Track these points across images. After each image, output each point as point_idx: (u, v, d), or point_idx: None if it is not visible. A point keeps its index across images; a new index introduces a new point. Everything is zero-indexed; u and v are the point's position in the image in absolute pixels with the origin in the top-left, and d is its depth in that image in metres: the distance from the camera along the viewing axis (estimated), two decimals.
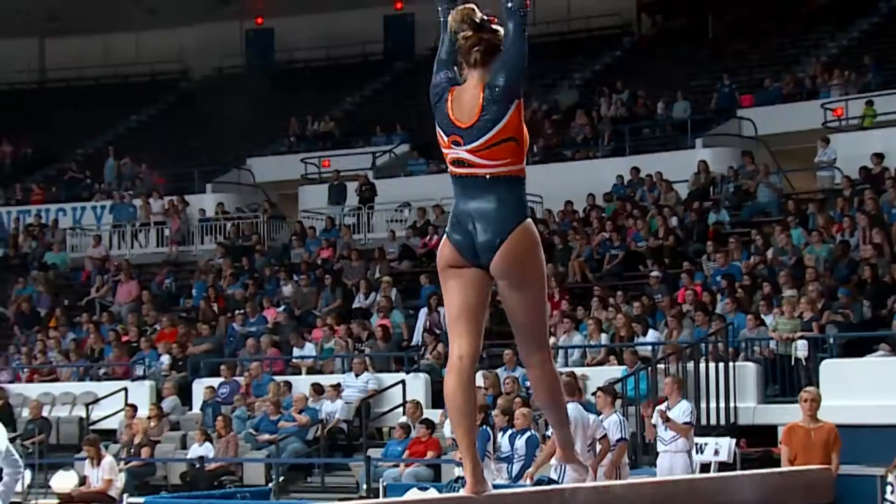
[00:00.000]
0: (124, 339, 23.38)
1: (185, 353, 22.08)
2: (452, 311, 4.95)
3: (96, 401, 21.24)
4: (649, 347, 17.69)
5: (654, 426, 13.76)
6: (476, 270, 4.91)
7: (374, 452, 17.27)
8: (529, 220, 4.94)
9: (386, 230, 26.20)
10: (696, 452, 15.25)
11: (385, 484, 15.19)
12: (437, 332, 20.32)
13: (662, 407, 13.68)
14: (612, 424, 13.06)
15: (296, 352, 21.28)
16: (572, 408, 12.59)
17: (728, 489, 6.13)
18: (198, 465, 17.63)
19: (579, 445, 12.38)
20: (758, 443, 15.81)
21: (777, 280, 18.43)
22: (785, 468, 9.44)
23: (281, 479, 17.58)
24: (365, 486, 15.85)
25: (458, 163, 4.90)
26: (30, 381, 23.19)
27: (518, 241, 4.86)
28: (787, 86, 26.62)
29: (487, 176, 4.87)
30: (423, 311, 20.98)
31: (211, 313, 23.50)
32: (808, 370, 16.40)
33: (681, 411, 13.48)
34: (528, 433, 13.73)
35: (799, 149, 25.08)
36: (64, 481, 17.30)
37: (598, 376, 16.76)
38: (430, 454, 16.41)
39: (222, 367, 20.98)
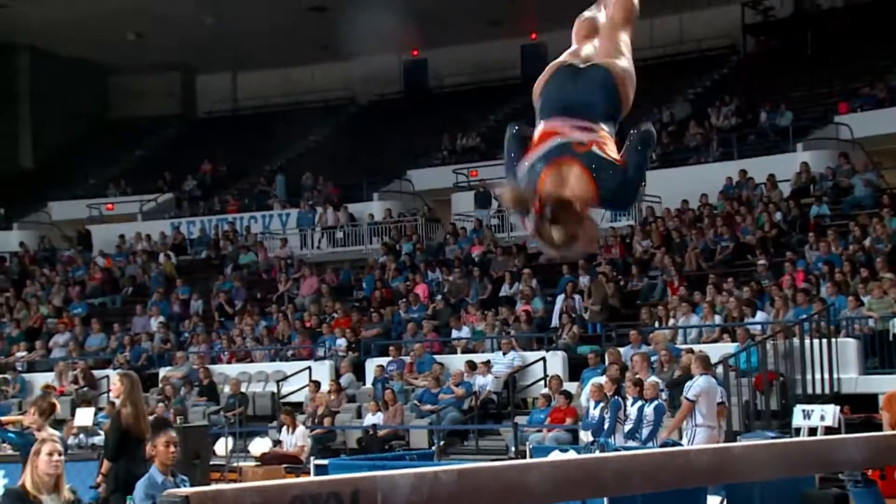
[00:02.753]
0: (307, 325, 23.74)
1: (358, 336, 22.32)
2: None
3: (285, 378, 21.58)
4: (759, 326, 17.33)
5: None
6: None
7: (521, 420, 17.23)
8: None
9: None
10: (804, 418, 14.89)
11: (531, 447, 15.14)
12: (573, 315, 20.22)
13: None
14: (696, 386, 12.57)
15: (453, 333, 21.37)
16: (704, 379, 12.40)
17: (837, 450, 5.94)
18: (371, 432, 17.79)
19: (706, 410, 12.19)
20: (860, 409, 15.35)
21: (874, 265, 17.89)
22: (888, 432, 9.13)
23: (442, 443, 17.65)
24: (513, 449, 15.82)
25: None
26: (229, 362, 23.67)
27: None
28: (880, 92, 25.82)
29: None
30: (560, 298, 20.89)
31: (379, 302, 23.75)
32: None
33: (689, 386, 12.79)
34: (655, 402, 13.55)
35: (893, 149, 24.28)
36: (260, 446, 17.62)
37: (714, 352, 16.42)
38: (568, 420, 16.29)
39: (390, 348, 21.16)
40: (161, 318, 26.18)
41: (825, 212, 21.17)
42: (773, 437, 12.05)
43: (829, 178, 22.47)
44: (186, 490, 3.59)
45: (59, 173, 35.11)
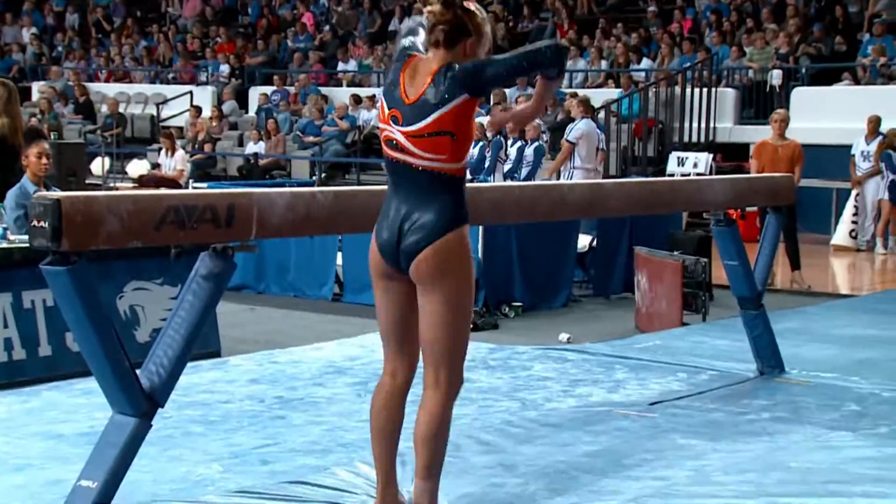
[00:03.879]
0: (189, 48, 23.24)
1: (243, 63, 21.97)
2: (382, 326, 3.80)
3: (165, 101, 21.27)
4: (643, 73, 17.52)
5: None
6: (401, 280, 3.69)
7: None
8: (465, 226, 3.65)
9: None
10: (678, 165, 15.29)
11: None
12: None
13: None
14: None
15: (339, 66, 21.13)
16: (585, 123, 12.55)
17: (705, 190, 6.16)
18: (252, 160, 17.77)
19: (585, 153, 12.42)
20: (732, 158, 15.81)
21: (760, 16, 18.07)
22: (753, 175, 9.44)
23: (323, 175, 17.74)
24: None
25: (392, 144, 3.63)
26: (107, 81, 23.19)
27: (446, 247, 3.59)
28: None
29: (420, 168, 3.59)
30: None
31: (265, 30, 23.29)
32: (780, 96, 16.24)
33: (570, 129, 12.75)
34: (536, 143, 13.71)
35: None
36: (138, 168, 17.49)
37: (598, 97, 16.58)
38: None
39: (275, 77, 20.90)
40: (34, 30, 25.37)
41: None
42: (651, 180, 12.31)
43: None
44: (58, 193, 3.58)
45: None
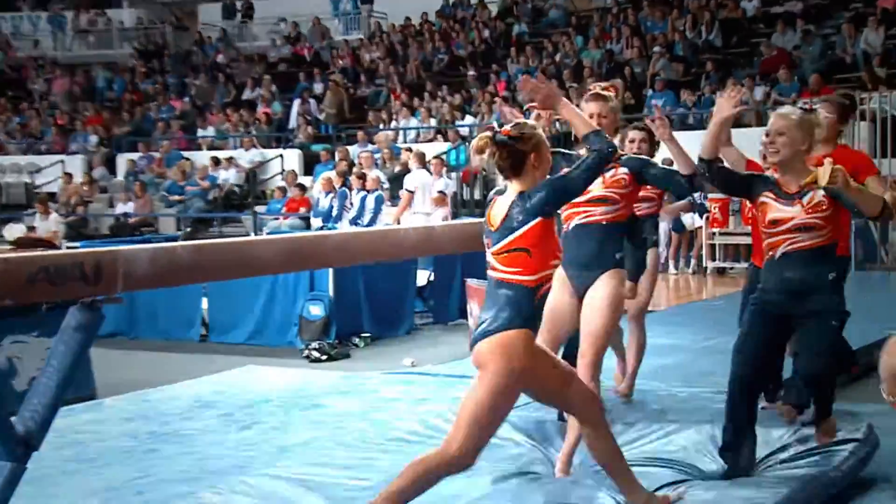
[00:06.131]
0: (60, 122, 22.54)
1: (110, 134, 21.41)
2: None
3: (38, 170, 20.55)
4: (467, 128, 17.72)
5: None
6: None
7: (260, 209, 17.12)
8: (522, 330, 3.63)
9: (267, 39, 25.41)
10: None
11: (268, 232, 15.09)
12: (308, 117, 20.02)
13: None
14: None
15: (199, 132, 20.78)
16: (421, 173, 12.65)
17: None
18: (122, 219, 17.28)
19: (421, 198, 12.48)
20: None
21: (562, 77, 18.49)
22: None
23: (188, 229, 17.38)
24: (253, 234, 15.72)
25: (487, 264, 3.74)
26: None
27: (498, 341, 3.62)
28: None
29: (497, 280, 3.68)
30: (297, 102, 20.60)
31: (130, 103, 22.75)
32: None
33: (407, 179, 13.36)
34: (376, 192, 13.69)
35: None
36: (15, 231, 16.78)
37: (429, 151, 16.70)
38: (302, 209, 16.29)
39: (140, 144, 20.41)
40: None
41: (525, 31, 21.56)
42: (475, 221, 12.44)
43: (529, 1, 22.81)
44: None
45: None
